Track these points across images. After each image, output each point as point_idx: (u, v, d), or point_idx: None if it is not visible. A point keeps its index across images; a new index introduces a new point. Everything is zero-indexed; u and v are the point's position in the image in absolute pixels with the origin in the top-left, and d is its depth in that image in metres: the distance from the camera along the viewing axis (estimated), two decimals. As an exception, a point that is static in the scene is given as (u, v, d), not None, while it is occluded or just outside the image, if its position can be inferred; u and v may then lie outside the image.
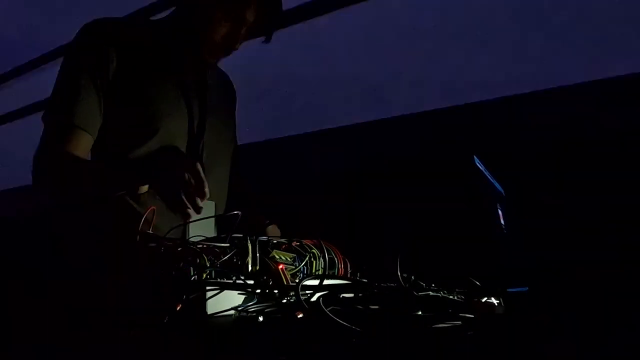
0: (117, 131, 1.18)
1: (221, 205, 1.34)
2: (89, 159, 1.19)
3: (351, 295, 0.76)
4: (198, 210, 1.00)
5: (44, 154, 1.15)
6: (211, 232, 1.06)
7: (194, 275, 0.74)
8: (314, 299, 0.71)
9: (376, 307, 0.72)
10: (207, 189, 1.00)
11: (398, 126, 1.96)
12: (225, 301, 0.71)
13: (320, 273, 0.94)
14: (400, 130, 1.95)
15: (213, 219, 1.10)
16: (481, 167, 1.18)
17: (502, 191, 1.40)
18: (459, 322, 0.67)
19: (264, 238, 0.90)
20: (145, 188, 1.12)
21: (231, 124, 1.44)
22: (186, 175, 0.99)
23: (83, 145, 1.15)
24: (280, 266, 0.82)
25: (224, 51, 1.25)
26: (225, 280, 0.74)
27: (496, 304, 0.81)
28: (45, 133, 1.16)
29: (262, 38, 1.27)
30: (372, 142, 2.01)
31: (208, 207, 1.05)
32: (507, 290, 0.93)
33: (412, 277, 0.94)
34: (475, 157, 1.13)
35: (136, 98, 1.19)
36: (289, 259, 0.89)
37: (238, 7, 1.19)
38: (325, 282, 0.79)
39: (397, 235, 1.62)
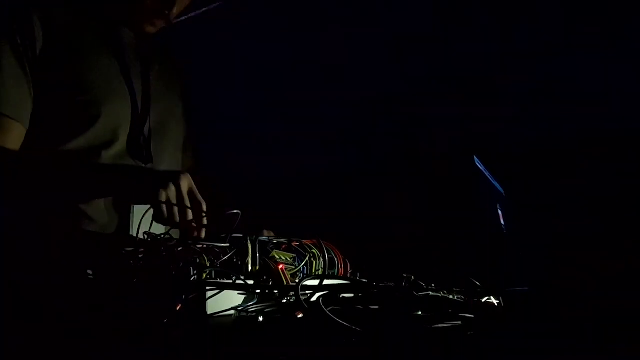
0: (50, 119, 1.03)
1: None
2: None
3: (351, 295, 0.76)
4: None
5: None
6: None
7: (194, 275, 0.74)
8: (314, 299, 0.71)
9: (376, 307, 0.72)
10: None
11: (398, 125, 1.96)
12: (225, 301, 0.71)
13: (320, 273, 0.94)
14: (400, 129, 1.95)
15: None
16: (481, 167, 1.18)
17: (502, 191, 1.40)
18: (459, 322, 0.67)
19: (264, 238, 0.90)
20: None
21: (180, 103, 1.27)
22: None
23: (15, 138, 1.00)
24: (280, 266, 0.82)
25: (161, 16, 1.11)
26: (225, 280, 0.74)
27: (496, 304, 0.81)
28: None
29: None
30: (372, 141, 2.01)
31: None
32: (507, 290, 0.93)
33: (412, 277, 0.94)
34: (475, 157, 1.14)
35: (70, 80, 1.04)
36: (289, 259, 0.89)
37: None
38: (325, 282, 0.79)
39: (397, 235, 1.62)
